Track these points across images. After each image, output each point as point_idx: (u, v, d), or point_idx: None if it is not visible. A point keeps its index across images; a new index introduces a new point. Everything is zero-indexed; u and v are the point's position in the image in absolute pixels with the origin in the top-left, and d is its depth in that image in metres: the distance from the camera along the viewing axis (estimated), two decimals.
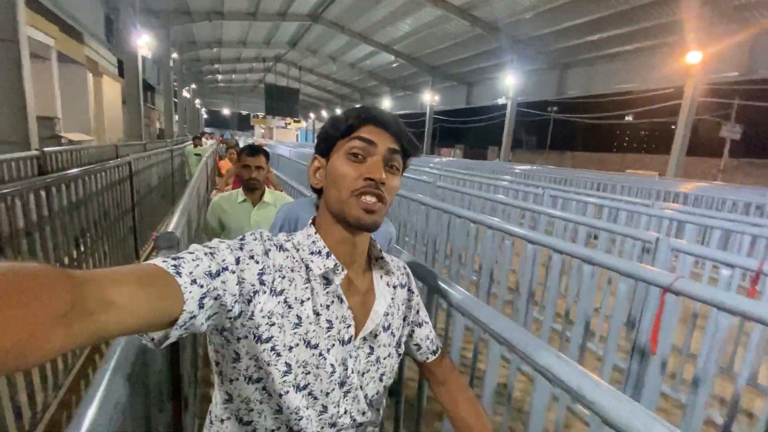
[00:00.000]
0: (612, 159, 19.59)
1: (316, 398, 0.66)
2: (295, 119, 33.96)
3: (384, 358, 0.75)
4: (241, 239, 0.66)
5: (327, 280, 0.68)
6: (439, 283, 1.17)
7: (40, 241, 2.32)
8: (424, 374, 0.92)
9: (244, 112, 50.40)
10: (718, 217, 3.51)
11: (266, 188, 2.23)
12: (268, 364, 0.63)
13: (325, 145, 0.73)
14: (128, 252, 4.10)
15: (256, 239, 0.66)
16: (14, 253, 2.10)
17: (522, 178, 8.92)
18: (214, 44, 22.74)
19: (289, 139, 43.22)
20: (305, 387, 0.65)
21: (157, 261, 0.51)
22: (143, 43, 10.52)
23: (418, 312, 0.85)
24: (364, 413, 0.73)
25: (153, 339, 0.51)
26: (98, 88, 15.82)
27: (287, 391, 0.64)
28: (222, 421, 0.69)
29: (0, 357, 0.29)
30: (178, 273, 0.50)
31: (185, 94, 25.73)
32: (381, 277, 0.78)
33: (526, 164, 15.35)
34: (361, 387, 0.72)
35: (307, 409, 0.66)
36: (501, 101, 18.56)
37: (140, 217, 4.58)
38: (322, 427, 0.68)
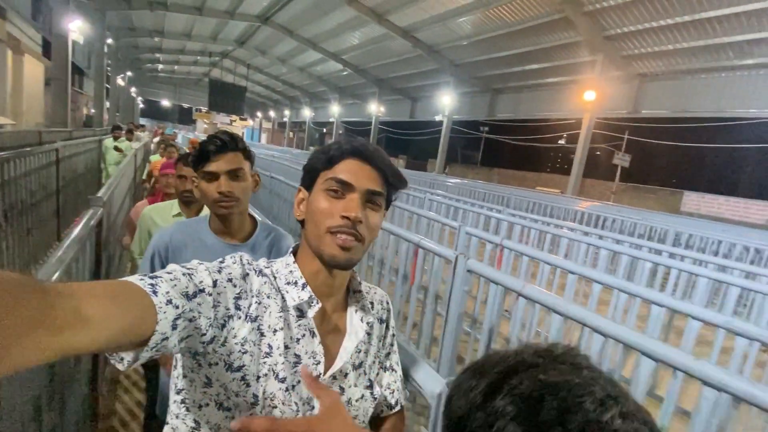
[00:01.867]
0: (531, 177, 22.15)
1: None
2: (241, 117, 33.29)
3: (356, 400, 0.72)
4: (220, 262, 0.65)
5: (301, 312, 0.67)
6: None
7: None
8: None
9: (186, 105, 48.11)
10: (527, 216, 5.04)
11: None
12: (237, 395, 0.61)
13: (309, 177, 0.71)
14: (50, 232, 4.30)
15: (235, 262, 0.66)
16: None
17: (448, 191, 10.02)
18: (156, 33, 21.92)
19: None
20: None
21: (134, 278, 0.50)
22: (75, 27, 10.19)
23: (389, 354, 0.81)
24: None
25: (122, 359, 0.49)
26: (18, 68, 14.72)
27: None
28: None
29: None
30: (154, 292, 0.49)
31: (119, 81, 24.31)
32: (356, 311, 0.75)
33: (458, 178, 16.75)
34: None
35: None
36: (438, 118, 20.03)
37: (65, 202, 4.75)
38: None
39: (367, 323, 0.74)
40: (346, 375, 0.70)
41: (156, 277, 0.52)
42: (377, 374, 0.77)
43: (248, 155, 1.25)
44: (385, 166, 0.69)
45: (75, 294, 0.39)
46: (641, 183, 17.22)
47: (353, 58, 21.00)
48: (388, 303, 0.82)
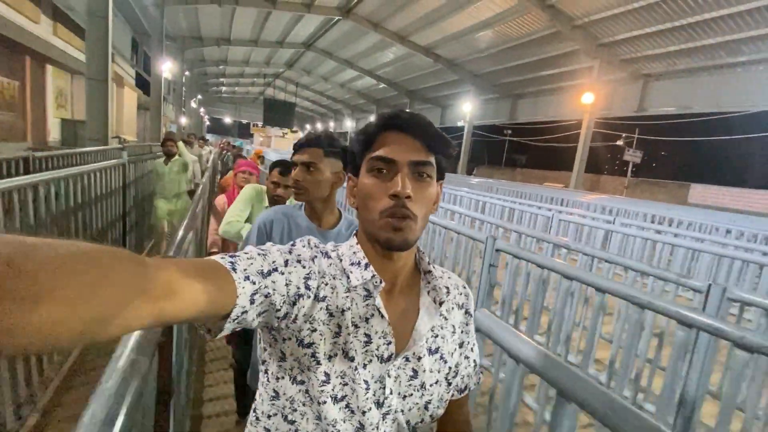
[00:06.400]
0: (550, 175, 23.03)
1: (353, 412, 0.65)
2: (292, 130, 37.08)
3: (431, 385, 0.71)
4: (291, 244, 0.68)
5: (367, 292, 0.67)
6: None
7: (126, 193, 5.05)
8: None
9: (244, 121, 53.63)
10: (496, 197, 6.64)
11: (287, 202, 2.22)
12: (308, 369, 0.64)
13: (353, 162, 0.72)
14: None
15: (304, 246, 0.69)
16: (115, 198, 4.57)
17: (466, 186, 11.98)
18: (221, 63, 25.99)
19: (285, 147, 46.24)
20: (342, 399, 0.65)
21: (216, 257, 0.55)
22: (166, 68, 13.57)
23: (469, 342, 0.78)
24: None
25: (209, 330, 0.55)
26: (120, 98, 18.83)
27: (325, 401, 0.64)
28: (269, 417, 0.70)
29: (84, 326, 0.32)
30: (234, 269, 0.53)
31: (192, 104, 28.80)
32: (428, 292, 0.73)
33: (482, 178, 18.35)
34: (402, 411, 0.69)
35: (344, 422, 0.65)
36: (461, 124, 21.76)
37: None
38: None
39: (441, 303, 0.72)
40: (420, 358, 0.69)
41: (235, 256, 0.57)
42: (457, 363, 0.75)
43: (330, 153, 1.38)
44: (424, 132, 0.66)
45: (168, 268, 0.43)
46: (652, 178, 17.59)
47: (386, 73, 23.40)
48: (465, 288, 0.79)
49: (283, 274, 0.60)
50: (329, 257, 0.70)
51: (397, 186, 0.63)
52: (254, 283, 0.55)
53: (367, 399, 0.66)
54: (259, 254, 0.60)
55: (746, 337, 1.11)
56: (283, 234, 1.37)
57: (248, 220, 2.24)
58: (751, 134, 13.11)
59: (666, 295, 2.67)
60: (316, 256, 0.68)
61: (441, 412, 0.74)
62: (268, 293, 0.57)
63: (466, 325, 0.77)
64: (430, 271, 0.74)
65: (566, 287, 1.87)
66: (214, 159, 8.32)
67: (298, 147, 1.44)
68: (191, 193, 5.10)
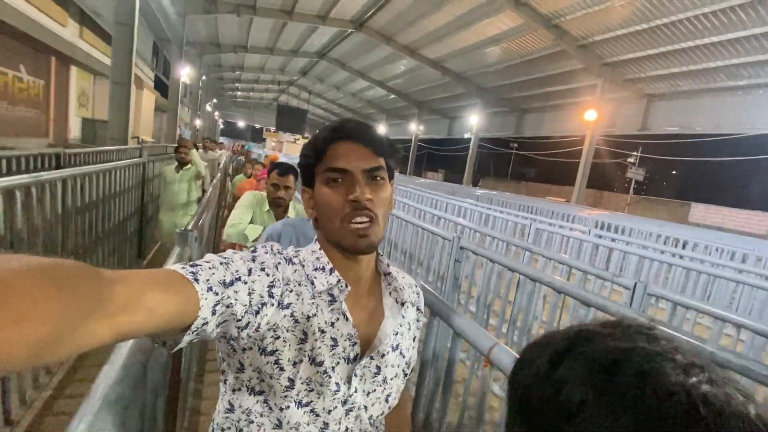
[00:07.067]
0: (554, 189, 23.26)
1: (318, 415, 0.66)
2: (304, 136, 37.81)
3: (391, 379, 0.75)
4: (253, 251, 0.67)
5: (332, 297, 0.68)
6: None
7: (144, 189, 5.42)
8: None
9: (257, 126, 54.68)
10: (493, 208, 6.98)
11: (290, 204, 2.25)
12: (271, 377, 0.64)
13: (307, 174, 0.73)
14: None
15: (267, 252, 0.68)
16: (135, 192, 4.94)
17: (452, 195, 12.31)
18: (237, 68, 26.81)
19: (297, 153, 46.99)
20: (308, 404, 0.66)
21: (176, 267, 0.53)
22: (185, 73, 14.20)
23: (417, 336, 0.84)
24: None
25: (165, 343, 0.53)
26: (139, 99, 19.54)
27: (288, 406, 0.64)
28: (223, 430, 0.69)
29: (31, 348, 0.30)
30: (196, 280, 0.51)
31: (207, 107, 29.65)
32: (390, 293, 0.77)
33: (487, 189, 18.65)
34: (365, 408, 0.72)
35: (308, 425, 0.66)
36: (467, 136, 22.14)
37: None
38: None
39: (402, 303, 0.76)
40: (383, 356, 0.72)
41: (196, 265, 0.55)
42: (411, 356, 0.80)
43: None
44: (372, 140, 0.70)
45: (126, 281, 0.41)
46: (653, 195, 17.74)
47: (396, 84, 23.95)
48: (416, 286, 0.84)
49: (246, 283, 0.59)
50: (293, 263, 0.70)
51: (356, 193, 0.66)
52: (217, 294, 0.53)
53: (334, 399, 0.67)
54: (221, 263, 0.58)
55: (620, 311, 1.45)
56: (291, 245, 1.40)
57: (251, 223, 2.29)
58: (750, 156, 13.27)
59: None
60: (279, 263, 0.68)
61: (396, 402, 0.79)
62: (230, 303, 0.56)
63: (417, 321, 0.82)
64: (389, 273, 0.77)
65: (509, 277, 2.22)
66: (225, 163, 8.63)
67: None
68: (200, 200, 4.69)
